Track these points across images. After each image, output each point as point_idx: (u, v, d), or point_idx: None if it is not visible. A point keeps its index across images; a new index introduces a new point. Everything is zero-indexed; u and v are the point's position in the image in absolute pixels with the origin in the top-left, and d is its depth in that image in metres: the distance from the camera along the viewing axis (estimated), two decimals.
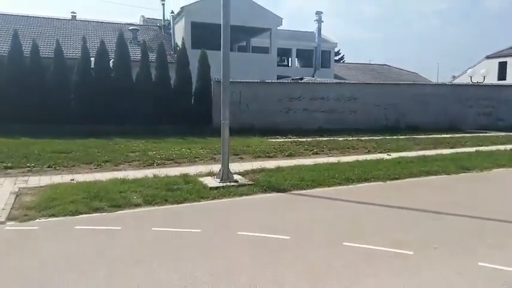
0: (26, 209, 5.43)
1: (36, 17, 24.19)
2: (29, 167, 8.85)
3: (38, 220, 5.05)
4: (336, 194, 6.68)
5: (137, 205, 5.71)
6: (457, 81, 36.55)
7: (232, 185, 6.97)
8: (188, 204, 5.95)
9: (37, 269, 3.62)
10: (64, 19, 25.32)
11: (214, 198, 6.27)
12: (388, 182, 7.74)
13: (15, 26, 18.23)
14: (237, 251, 4.08)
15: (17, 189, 6.68)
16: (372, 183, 7.59)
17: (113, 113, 16.39)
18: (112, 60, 17.42)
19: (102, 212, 5.38)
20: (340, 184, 7.38)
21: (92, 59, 17.08)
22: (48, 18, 24.56)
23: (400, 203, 6.11)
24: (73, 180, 7.46)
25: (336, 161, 9.69)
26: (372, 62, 43.71)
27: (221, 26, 7.36)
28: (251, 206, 6.07)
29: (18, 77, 15.71)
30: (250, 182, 7.26)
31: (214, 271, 3.55)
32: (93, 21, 25.88)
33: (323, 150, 12.38)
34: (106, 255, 3.91)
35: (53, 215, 5.15)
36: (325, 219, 5.34)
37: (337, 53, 49.77)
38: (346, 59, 52.92)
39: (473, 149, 12.70)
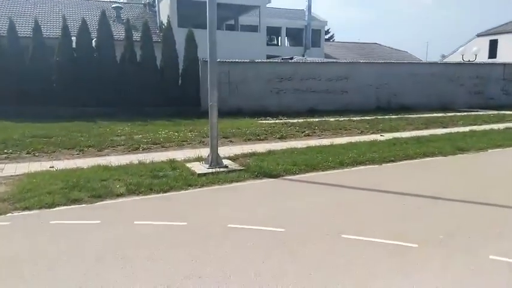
0: None
1: None
2: (6, 153, 8.36)
3: (10, 214, 4.63)
4: (330, 178, 6.35)
5: (120, 195, 5.31)
6: (447, 60, 36.33)
7: (222, 171, 6.60)
8: (174, 192, 5.55)
9: None
10: None
11: (202, 185, 5.88)
12: (383, 164, 7.44)
13: None
14: (227, 247, 3.72)
15: None
16: (368, 167, 7.27)
17: (97, 94, 15.85)
18: (94, 39, 16.68)
19: (81, 204, 4.97)
20: (334, 168, 7.05)
21: (74, 38, 16.33)
22: None
23: (397, 187, 5.83)
24: (52, 167, 7.02)
25: (329, 143, 9.37)
26: (362, 41, 43.14)
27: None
28: (242, 194, 5.69)
29: None
30: (240, 168, 6.90)
31: (202, 272, 3.20)
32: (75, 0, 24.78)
33: (315, 132, 12.06)
34: (79, 254, 3.52)
35: (27, 208, 4.73)
36: (320, 207, 5.01)
37: (327, 32, 49.01)
38: (336, 39, 52.25)
39: (466, 129, 12.51)
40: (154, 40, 17.64)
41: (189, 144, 9.98)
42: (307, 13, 33.73)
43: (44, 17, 20.69)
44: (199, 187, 5.83)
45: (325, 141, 9.85)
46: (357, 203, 5.25)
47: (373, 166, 7.33)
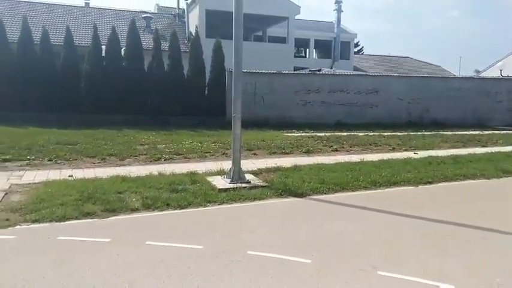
0: (10, 212, 4.79)
1: (47, 3, 23.71)
2: (28, 159, 8.29)
3: (18, 227, 4.38)
4: (361, 200, 5.81)
5: (134, 210, 4.99)
6: (483, 75, 34.85)
7: (244, 187, 6.20)
8: (192, 209, 5.18)
9: None
10: (76, 6, 24.82)
11: (222, 202, 5.49)
12: (420, 186, 6.83)
13: (26, 13, 17.73)
14: (245, 279, 3.28)
15: (8, 186, 6.08)
16: (402, 188, 6.68)
17: (124, 103, 15.90)
18: (123, 48, 16.83)
19: (93, 218, 4.67)
20: (365, 188, 6.51)
21: (103, 47, 16.54)
22: (60, 5, 24.07)
23: (437, 214, 5.23)
24: (71, 176, 6.83)
25: (359, 160, 8.82)
26: (392, 55, 42.15)
27: (233, 7, 6.56)
28: (264, 214, 5.25)
29: (28, 65, 15.31)
30: (263, 184, 6.48)
31: None
32: (106, 9, 25.33)
33: (343, 147, 11.52)
34: (79, 280, 3.19)
35: (36, 221, 4.47)
36: (351, 234, 4.48)
37: (356, 45, 48.25)
38: (365, 52, 51.35)
39: (508, 148, 11.64)
40: (182, 50, 17.63)
41: (212, 155, 9.68)
42: (336, 25, 33.29)
43: (76, 26, 21.15)
44: (218, 204, 5.43)
45: (355, 158, 9.30)
46: (392, 230, 4.69)
47: (409, 188, 6.73)
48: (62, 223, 4.47)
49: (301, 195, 5.98)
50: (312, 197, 5.95)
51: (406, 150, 11.40)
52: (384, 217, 5.20)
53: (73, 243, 3.94)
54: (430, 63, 40.41)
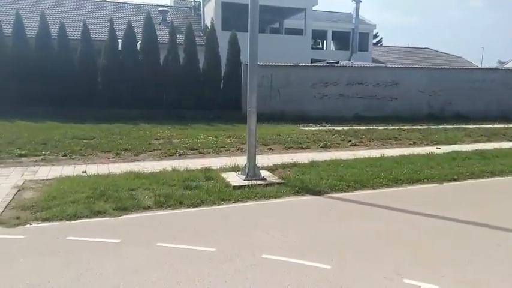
0: (21, 210, 4.71)
1: None
2: (44, 154, 8.28)
3: (28, 225, 4.29)
4: (383, 199, 5.52)
5: (147, 208, 4.85)
6: (508, 66, 33.59)
7: (259, 184, 5.99)
8: (206, 208, 5.01)
9: None
10: (93, 0, 24.89)
11: (236, 200, 5.30)
12: (445, 184, 6.48)
13: (43, 8, 17.84)
14: (260, 286, 3.09)
15: (21, 183, 6.03)
16: (426, 186, 6.35)
17: (140, 97, 15.85)
18: (139, 42, 16.76)
19: (104, 217, 4.55)
20: (387, 186, 6.21)
21: (119, 41, 16.50)
22: None
23: (465, 214, 4.91)
24: (84, 172, 6.76)
25: (379, 155, 8.49)
26: (412, 46, 41.05)
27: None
28: (281, 213, 5.01)
29: (46, 60, 15.38)
30: (279, 180, 6.26)
31: None
32: (122, 3, 25.33)
33: (362, 141, 11.18)
34: (86, 285, 3.04)
35: (46, 220, 4.37)
36: (374, 236, 4.21)
37: (375, 36, 47.18)
38: (384, 43, 50.18)
39: None
40: (198, 43, 17.44)
41: (227, 150, 9.51)
42: (354, 16, 32.53)
43: (93, 20, 21.20)
44: (233, 202, 5.25)
45: (375, 153, 8.98)
46: (417, 232, 4.40)
47: (433, 185, 6.40)
48: (73, 222, 4.36)
49: (318, 193, 5.74)
50: (330, 195, 5.70)
51: (427, 144, 10.98)
52: (408, 217, 4.91)
53: (82, 244, 3.82)
54: (451, 55, 39.18)
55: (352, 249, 3.89)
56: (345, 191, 5.88)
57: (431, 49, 40.11)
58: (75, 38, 16.96)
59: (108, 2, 25.37)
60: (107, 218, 4.52)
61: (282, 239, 4.13)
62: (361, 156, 8.42)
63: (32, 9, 20.42)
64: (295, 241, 4.07)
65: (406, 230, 4.48)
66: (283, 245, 3.94)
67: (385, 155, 8.52)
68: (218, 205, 5.11)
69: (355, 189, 5.99)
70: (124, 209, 4.72)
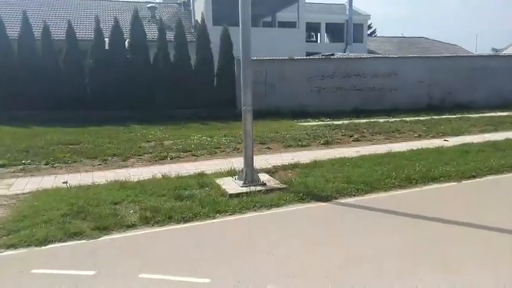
0: None
1: None
2: (24, 164, 7.64)
3: None
4: (398, 203, 4.90)
5: (130, 226, 4.22)
6: (505, 52, 33.09)
7: (258, 190, 5.38)
8: (199, 223, 4.37)
9: None
10: None
11: (234, 212, 4.68)
12: (463, 182, 5.89)
13: (25, 7, 17.04)
14: None
15: None
16: (443, 185, 5.75)
17: (130, 97, 15.21)
18: (127, 40, 16.06)
19: (80, 239, 3.92)
20: (400, 187, 5.61)
21: (107, 39, 15.80)
22: None
23: (494, 220, 4.29)
24: (66, 182, 6.13)
25: (386, 151, 7.90)
26: (407, 35, 40.41)
27: None
28: (284, 226, 4.35)
29: (30, 62, 14.71)
30: (281, 185, 5.65)
31: None
32: (110, 1, 24.52)
33: (364, 136, 10.61)
34: None
35: (12, 246, 3.74)
36: (397, 254, 3.54)
37: (369, 27, 46.51)
38: (378, 34, 49.53)
39: None
40: (189, 40, 16.80)
41: (223, 151, 8.91)
42: (348, 7, 31.86)
43: (78, 20, 20.44)
44: (229, 214, 4.62)
45: (381, 148, 8.39)
46: (445, 246, 3.76)
47: (450, 184, 5.79)
48: (43, 248, 3.73)
49: (325, 198, 5.12)
50: (338, 200, 5.08)
51: (433, 137, 10.44)
52: (430, 226, 4.27)
53: (49, 278, 3.18)
54: (447, 43, 38.63)
55: (373, 272, 3.24)
56: (354, 195, 5.27)
57: (427, 38, 39.56)
58: (60, 38, 16.24)
59: (95, 0, 24.56)
60: (84, 241, 3.88)
61: (288, 261, 3.49)
62: (367, 153, 7.83)
63: (14, 9, 19.60)
64: (304, 264, 3.44)
65: (431, 241, 3.85)
66: (290, 270, 3.31)
67: (393, 151, 7.93)
68: (213, 219, 4.48)
69: (366, 192, 5.37)
70: (104, 229, 4.09)
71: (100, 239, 3.93)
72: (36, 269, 3.32)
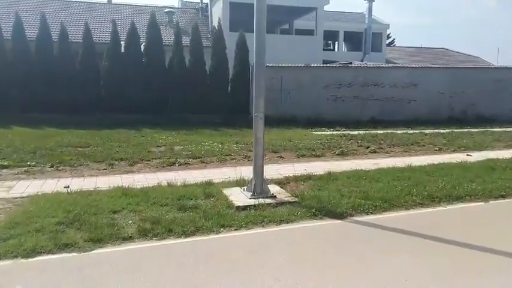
0: None
1: (65, 0, 23.21)
2: (29, 165, 7.46)
3: None
4: (420, 224, 4.43)
5: (127, 238, 3.90)
6: None
7: (268, 203, 5.01)
8: (201, 238, 4.01)
9: None
10: (96, 3, 24.27)
11: (239, 227, 4.30)
12: (491, 202, 5.41)
13: (44, 10, 17.17)
14: None
15: None
16: (469, 205, 5.27)
17: (144, 101, 15.08)
18: (143, 44, 16.00)
19: (71, 251, 3.60)
20: (421, 205, 5.15)
21: (122, 43, 15.76)
22: (79, 1, 23.55)
23: None
24: (67, 187, 5.88)
25: (405, 165, 7.44)
26: (426, 46, 39.60)
27: None
28: (294, 246, 3.95)
29: (47, 63, 14.77)
30: (292, 199, 5.26)
31: None
32: (128, 5, 24.67)
33: (381, 147, 10.15)
34: None
35: None
36: (415, 282, 3.17)
37: (388, 36, 45.85)
38: (397, 44, 48.77)
39: None
40: (205, 45, 16.64)
41: (233, 159, 8.59)
42: (367, 15, 31.41)
43: (96, 23, 20.55)
44: (235, 229, 4.24)
45: (399, 161, 7.93)
46: (472, 275, 3.33)
47: (477, 204, 5.31)
48: (30, 260, 3.43)
49: (340, 215, 4.70)
50: (354, 218, 4.66)
51: (455, 151, 9.92)
52: (457, 252, 3.79)
53: None
54: (468, 54, 37.72)
55: None
56: (372, 213, 4.83)
57: (447, 49, 38.71)
58: (77, 40, 16.28)
59: (113, 4, 24.77)
60: (74, 254, 3.56)
61: None
62: (385, 166, 7.38)
63: (33, 11, 19.83)
64: None
65: (461, 271, 3.40)
66: None
67: (412, 165, 7.45)
68: (216, 233, 4.11)
69: (384, 210, 4.93)
70: (98, 241, 3.77)
71: (92, 252, 3.61)
72: (20, 284, 3.02)
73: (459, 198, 5.41)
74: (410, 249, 3.90)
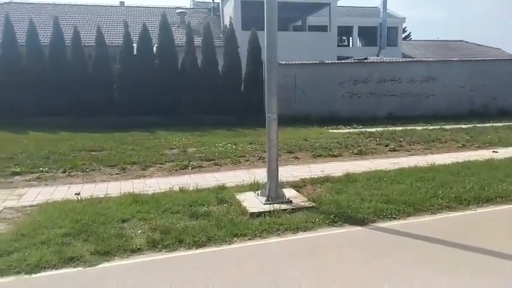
0: None
1: (77, 4, 23.41)
2: (41, 171, 7.39)
3: None
4: (449, 230, 4.08)
5: (135, 250, 3.69)
6: None
7: (283, 209, 4.74)
8: (212, 249, 3.76)
9: None
10: (108, 6, 24.33)
11: (254, 235, 4.05)
12: None
13: (56, 14, 17.24)
14: None
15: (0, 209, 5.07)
16: (501, 207, 4.86)
17: (157, 102, 15.01)
18: (155, 45, 15.91)
19: (76, 266, 3.42)
20: (449, 208, 4.80)
21: (135, 45, 15.70)
22: (90, 5, 23.68)
23: None
24: (78, 194, 5.74)
25: (428, 164, 7.06)
26: (443, 39, 38.56)
27: None
28: (313, 258, 3.63)
29: (61, 68, 14.79)
30: (309, 203, 4.98)
31: None
32: (139, 7, 24.69)
33: (401, 145, 9.77)
34: None
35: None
36: None
37: (404, 30, 44.87)
38: (413, 38, 47.68)
39: None
40: (217, 45, 16.44)
41: (247, 161, 8.38)
42: (382, 9, 30.72)
43: (109, 25, 20.60)
44: (248, 239, 3.99)
45: (421, 160, 7.56)
46: None
47: (510, 206, 4.93)
48: (33, 276, 3.26)
49: (361, 221, 4.39)
50: (376, 224, 4.35)
51: (479, 147, 9.47)
52: (494, 263, 3.44)
53: None
54: (488, 46, 36.54)
55: None
56: (395, 218, 4.50)
57: (466, 41, 37.60)
58: (89, 43, 16.31)
59: (125, 6, 24.84)
60: (79, 269, 3.37)
61: None
62: (406, 166, 7.02)
63: (45, 16, 20.00)
64: None
65: (498, 285, 3.10)
66: None
67: (435, 164, 7.07)
68: (229, 244, 3.86)
69: (409, 214, 4.60)
70: (105, 253, 3.58)
71: (98, 266, 3.42)
72: None
73: (489, 200, 5.03)
74: (440, 258, 3.56)
